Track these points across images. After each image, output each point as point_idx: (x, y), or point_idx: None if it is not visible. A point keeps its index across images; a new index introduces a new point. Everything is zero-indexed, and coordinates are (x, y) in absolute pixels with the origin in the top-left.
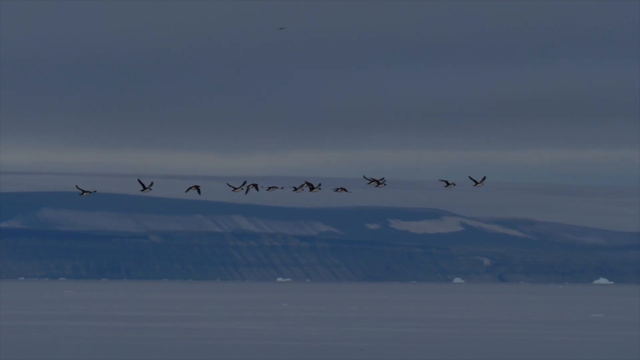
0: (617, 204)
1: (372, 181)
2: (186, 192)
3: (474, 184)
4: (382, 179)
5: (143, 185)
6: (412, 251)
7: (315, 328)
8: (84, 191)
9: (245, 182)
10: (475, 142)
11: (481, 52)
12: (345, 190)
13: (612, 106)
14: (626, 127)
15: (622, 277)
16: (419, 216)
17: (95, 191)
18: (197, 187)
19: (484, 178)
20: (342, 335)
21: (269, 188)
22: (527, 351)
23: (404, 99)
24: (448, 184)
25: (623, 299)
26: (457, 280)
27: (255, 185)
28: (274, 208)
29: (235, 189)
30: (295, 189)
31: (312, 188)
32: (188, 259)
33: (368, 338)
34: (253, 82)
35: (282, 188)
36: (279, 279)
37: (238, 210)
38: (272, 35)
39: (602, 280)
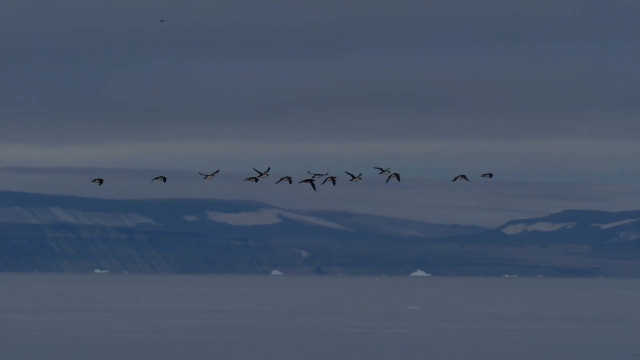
0: (434, 196)
1: (383, 171)
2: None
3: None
4: (388, 169)
5: None
6: (230, 243)
7: (130, 320)
8: (96, 179)
9: (262, 174)
10: (295, 135)
11: (294, 47)
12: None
13: (426, 98)
14: (440, 118)
15: (439, 269)
16: (237, 208)
17: (103, 180)
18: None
19: (492, 175)
20: (156, 327)
21: (281, 178)
22: (341, 343)
23: (226, 91)
24: (458, 178)
25: (439, 290)
26: (275, 272)
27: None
28: (91, 200)
29: (252, 178)
30: (307, 180)
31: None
32: (5, 250)
33: (182, 330)
34: (73, 74)
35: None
36: (97, 271)
37: (56, 202)
38: (97, 28)
39: (419, 273)
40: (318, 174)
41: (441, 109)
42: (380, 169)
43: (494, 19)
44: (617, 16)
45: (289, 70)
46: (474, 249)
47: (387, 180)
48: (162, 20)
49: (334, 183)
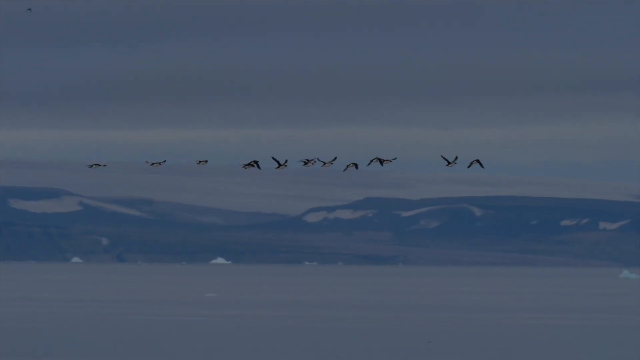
0: (235, 183)
1: (377, 160)
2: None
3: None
4: (379, 158)
5: None
6: (31, 231)
7: None
8: (93, 165)
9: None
10: (98, 122)
11: (106, 34)
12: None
13: (226, 86)
14: (244, 107)
15: (239, 257)
16: (38, 196)
17: (105, 165)
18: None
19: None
20: None
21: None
22: (137, 330)
23: (32, 78)
24: (449, 162)
25: (238, 278)
26: (76, 259)
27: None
28: None
29: (249, 164)
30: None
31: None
32: None
33: None
34: None
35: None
36: None
37: None
38: None
39: (220, 260)
40: (312, 160)
41: (243, 97)
42: (380, 159)
43: (284, 10)
44: (407, 9)
45: (95, 58)
46: (275, 237)
47: (345, 169)
48: (28, 9)
49: (356, 167)
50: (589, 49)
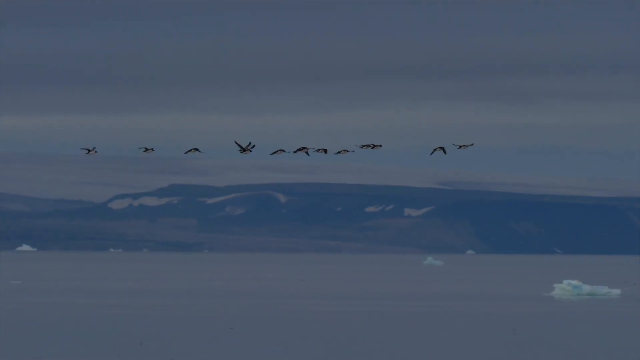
0: (40, 171)
1: (366, 146)
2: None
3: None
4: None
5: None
6: None
7: None
8: (89, 150)
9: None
10: None
11: None
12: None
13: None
14: (52, 92)
15: (45, 244)
16: None
17: (95, 148)
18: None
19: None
20: None
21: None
22: None
23: None
24: (442, 149)
25: (43, 265)
26: None
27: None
28: None
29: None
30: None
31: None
32: None
33: None
34: None
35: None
36: None
37: None
38: None
39: (25, 247)
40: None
41: (60, 84)
42: (372, 145)
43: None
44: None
45: None
46: (80, 224)
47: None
48: None
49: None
50: (394, 37)
